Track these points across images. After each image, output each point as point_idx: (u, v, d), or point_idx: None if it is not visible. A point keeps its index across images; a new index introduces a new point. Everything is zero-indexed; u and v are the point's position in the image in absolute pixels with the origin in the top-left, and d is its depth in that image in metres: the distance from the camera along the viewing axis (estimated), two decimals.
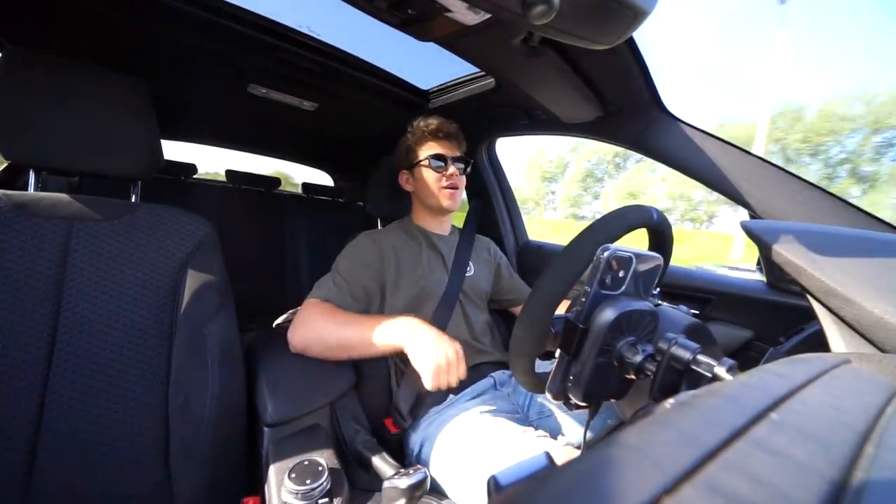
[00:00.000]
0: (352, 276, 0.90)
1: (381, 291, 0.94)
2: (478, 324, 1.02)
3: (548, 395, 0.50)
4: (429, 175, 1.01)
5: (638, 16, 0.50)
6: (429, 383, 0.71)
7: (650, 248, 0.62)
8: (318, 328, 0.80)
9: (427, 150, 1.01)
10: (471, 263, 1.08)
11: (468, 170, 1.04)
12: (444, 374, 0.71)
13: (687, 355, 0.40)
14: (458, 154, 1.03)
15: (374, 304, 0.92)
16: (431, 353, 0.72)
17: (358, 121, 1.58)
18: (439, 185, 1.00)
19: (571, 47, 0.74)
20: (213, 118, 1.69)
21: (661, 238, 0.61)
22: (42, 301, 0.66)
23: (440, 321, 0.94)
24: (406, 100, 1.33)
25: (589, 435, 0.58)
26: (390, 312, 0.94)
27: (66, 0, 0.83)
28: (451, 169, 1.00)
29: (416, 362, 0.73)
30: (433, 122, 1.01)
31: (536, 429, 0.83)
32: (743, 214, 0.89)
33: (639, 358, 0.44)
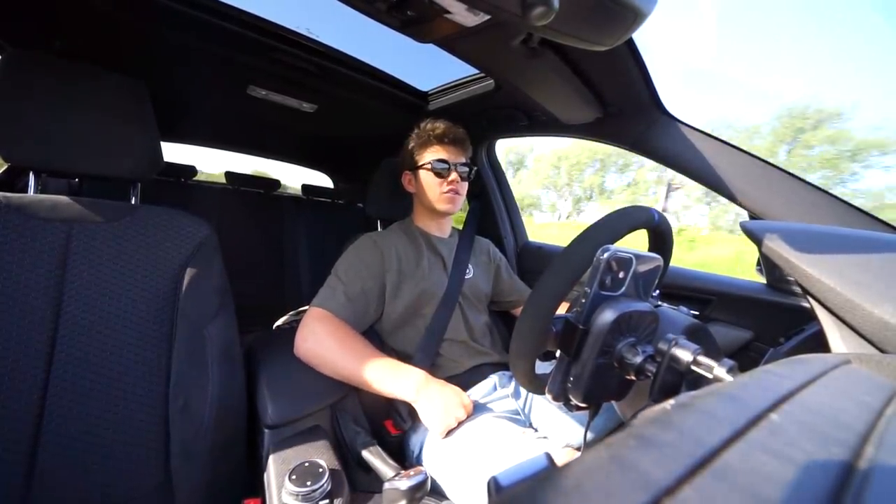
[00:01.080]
0: (353, 280, 0.90)
1: (381, 293, 0.94)
2: (477, 325, 1.02)
3: (548, 396, 0.50)
4: (431, 179, 1.01)
5: (637, 17, 0.50)
6: (439, 437, 0.76)
7: (650, 249, 0.62)
8: (328, 351, 0.80)
9: (432, 153, 1.01)
10: (470, 266, 1.08)
11: (471, 176, 1.05)
12: (451, 427, 0.76)
13: (687, 356, 0.40)
14: (462, 160, 1.03)
15: (374, 307, 0.93)
16: (440, 417, 0.75)
17: (357, 122, 1.58)
18: (440, 190, 1.00)
19: (571, 48, 0.75)
20: (213, 120, 1.69)
21: (661, 239, 0.61)
22: (42, 303, 0.66)
23: (439, 323, 0.94)
24: (405, 101, 1.33)
25: (589, 436, 0.58)
26: (390, 315, 0.95)
27: (65, 2, 0.83)
28: (453, 175, 1.00)
29: (426, 422, 0.77)
30: (440, 126, 1.01)
31: (536, 430, 0.83)
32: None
33: (639, 359, 0.44)
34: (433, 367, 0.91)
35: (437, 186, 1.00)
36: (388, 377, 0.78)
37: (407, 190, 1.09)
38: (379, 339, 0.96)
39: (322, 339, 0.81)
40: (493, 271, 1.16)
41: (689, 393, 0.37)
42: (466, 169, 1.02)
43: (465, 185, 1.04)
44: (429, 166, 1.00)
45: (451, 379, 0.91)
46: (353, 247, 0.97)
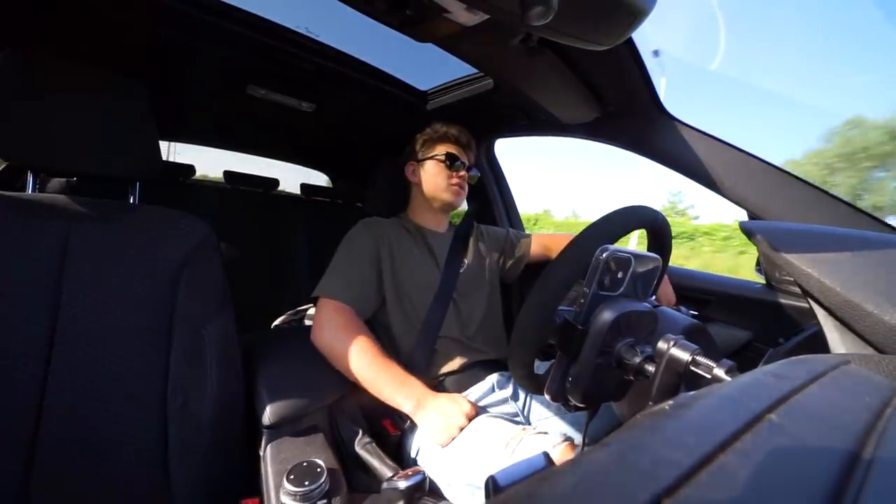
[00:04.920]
0: (352, 266, 0.93)
1: (379, 276, 0.96)
2: (472, 321, 1.02)
3: (546, 396, 0.50)
4: (440, 170, 1.05)
5: (637, 16, 0.50)
6: (440, 447, 0.77)
7: (649, 249, 0.62)
8: (342, 347, 0.82)
9: (443, 148, 1.06)
10: (465, 260, 1.08)
11: (474, 178, 1.10)
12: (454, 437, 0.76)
13: (686, 356, 0.40)
14: (467, 162, 1.08)
15: (374, 290, 0.94)
16: (441, 432, 0.76)
17: (356, 122, 1.58)
18: (449, 182, 1.04)
19: (570, 48, 0.74)
20: (212, 119, 1.69)
21: (660, 239, 0.61)
22: (40, 302, 0.66)
23: (434, 319, 0.95)
24: (404, 101, 1.33)
25: (588, 437, 0.58)
26: (387, 306, 0.96)
27: (64, 2, 0.83)
28: (463, 171, 1.05)
29: (426, 436, 0.78)
30: (454, 128, 1.08)
31: (535, 431, 0.83)
32: None
33: (638, 359, 0.44)
34: (429, 363, 0.91)
35: (446, 178, 1.04)
36: (390, 387, 0.80)
37: (409, 180, 1.11)
38: (384, 334, 0.97)
39: (337, 334, 0.84)
40: (493, 250, 1.19)
41: (687, 393, 0.37)
42: (473, 171, 1.08)
43: (468, 186, 1.08)
44: (441, 157, 1.04)
45: (447, 377, 0.91)
46: (349, 235, 1.01)
